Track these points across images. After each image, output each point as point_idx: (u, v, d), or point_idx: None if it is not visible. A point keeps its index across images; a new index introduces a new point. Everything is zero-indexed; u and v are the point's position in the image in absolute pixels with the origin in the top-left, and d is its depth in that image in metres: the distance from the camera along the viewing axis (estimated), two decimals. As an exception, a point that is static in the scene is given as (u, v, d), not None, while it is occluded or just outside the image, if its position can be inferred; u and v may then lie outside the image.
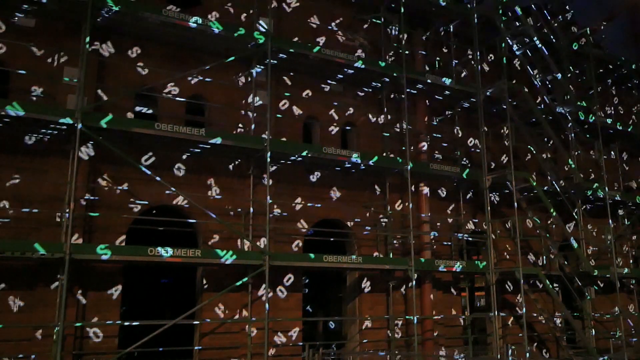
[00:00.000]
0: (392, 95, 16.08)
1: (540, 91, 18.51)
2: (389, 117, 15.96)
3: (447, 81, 16.14)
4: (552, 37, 19.22)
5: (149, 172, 11.70)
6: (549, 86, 19.13)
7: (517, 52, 18.34)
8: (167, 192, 12.10)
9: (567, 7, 21.86)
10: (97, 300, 11.23)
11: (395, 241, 15.15)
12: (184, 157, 12.68)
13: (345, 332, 15.47)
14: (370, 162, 14.35)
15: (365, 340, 14.24)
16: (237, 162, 13.30)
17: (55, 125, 10.77)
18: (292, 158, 13.57)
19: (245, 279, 12.37)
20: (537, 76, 18.59)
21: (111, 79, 12.28)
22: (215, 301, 12.34)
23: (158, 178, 11.80)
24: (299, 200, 13.98)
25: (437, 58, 17.28)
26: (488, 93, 16.78)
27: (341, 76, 15.24)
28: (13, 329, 10.23)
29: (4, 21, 11.37)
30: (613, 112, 22.24)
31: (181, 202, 12.37)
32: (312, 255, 12.90)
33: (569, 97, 18.43)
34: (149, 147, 12.23)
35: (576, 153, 19.33)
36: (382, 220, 15.17)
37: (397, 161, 14.80)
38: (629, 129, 21.08)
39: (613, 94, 22.73)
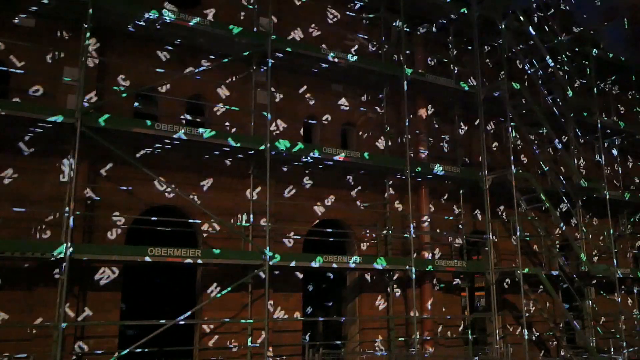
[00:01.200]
0: (392, 95, 16.08)
1: (541, 91, 18.50)
2: (389, 117, 15.96)
3: (447, 81, 16.14)
4: (552, 37, 19.23)
5: (150, 173, 11.72)
6: (549, 86, 19.14)
7: (517, 50, 18.30)
8: (166, 192, 12.13)
9: (567, 7, 21.86)
10: (97, 300, 11.23)
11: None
12: (185, 157, 12.70)
13: (345, 332, 15.47)
14: (371, 162, 14.36)
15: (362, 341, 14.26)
16: (237, 162, 13.31)
17: (55, 125, 10.79)
18: (292, 158, 13.56)
19: (245, 279, 12.40)
20: (538, 76, 18.59)
21: (111, 79, 12.28)
22: (216, 301, 12.34)
23: (163, 179, 11.80)
24: (299, 200, 13.97)
25: (437, 58, 17.27)
26: (492, 93, 16.78)
27: (341, 76, 15.24)
28: (13, 329, 10.25)
29: (4, 21, 11.37)
30: (613, 112, 22.21)
31: (180, 201, 12.37)
32: (312, 256, 12.90)
33: (569, 97, 18.42)
34: (149, 147, 12.23)
35: (576, 152, 19.34)
36: (382, 220, 15.17)
37: (397, 161, 14.79)
38: (630, 129, 21.09)
39: (613, 94, 22.71)
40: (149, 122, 11.56)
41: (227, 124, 13.44)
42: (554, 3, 20.79)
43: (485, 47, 18.47)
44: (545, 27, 19.34)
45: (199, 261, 11.66)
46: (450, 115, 17.35)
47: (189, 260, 11.43)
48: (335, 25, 15.82)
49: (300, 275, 13.78)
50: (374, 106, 15.99)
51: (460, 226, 16.45)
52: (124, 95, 12.22)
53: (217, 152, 12.88)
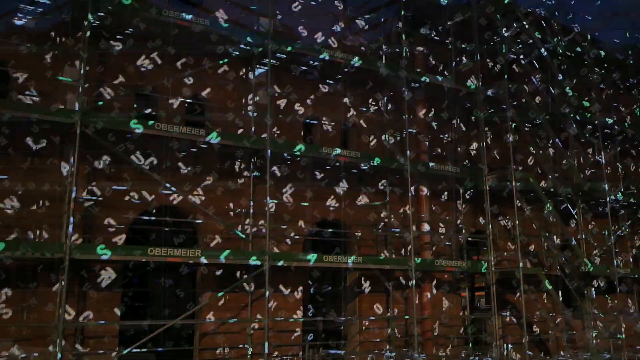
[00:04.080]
0: (391, 95, 16.07)
1: (541, 91, 18.49)
2: (389, 117, 15.95)
3: (447, 81, 16.14)
4: (552, 36, 19.21)
5: (150, 173, 11.71)
6: (550, 86, 19.12)
7: (514, 47, 18.29)
8: (166, 191, 12.12)
9: (566, 7, 21.86)
10: (97, 300, 11.23)
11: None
12: (185, 157, 12.69)
13: (345, 332, 15.46)
14: (371, 162, 14.35)
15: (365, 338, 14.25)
16: (237, 162, 13.30)
17: (55, 125, 10.78)
18: (292, 158, 13.56)
19: (245, 279, 12.38)
20: (537, 76, 18.58)
21: (111, 79, 12.27)
22: (216, 301, 12.33)
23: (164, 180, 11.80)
24: (299, 200, 13.97)
25: (437, 58, 17.27)
26: (489, 93, 16.76)
27: (341, 76, 15.23)
28: (13, 329, 10.24)
29: (4, 21, 11.35)
30: (613, 112, 22.18)
31: (180, 201, 12.37)
32: (312, 255, 12.89)
33: (569, 97, 18.41)
34: (149, 147, 12.23)
35: (576, 152, 19.33)
36: (382, 220, 15.17)
37: (397, 161, 14.78)
38: (629, 129, 21.08)
39: (613, 94, 22.68)
40: (149, 122, 11.56)
41: (227, 124, 13.43)
42: (554, 3, 20.77)
43: (485, 46, 18.43)
44: (545, 27, 19.30)
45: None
46: (450, 115, 17.33)
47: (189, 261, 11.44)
48: (335, 25, 15.81)
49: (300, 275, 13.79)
50: (374, 106, 15.98)
51: (460, 226, 16.44)
52: (124, 94, 12.22)
53: (217, 152, 12.87)
